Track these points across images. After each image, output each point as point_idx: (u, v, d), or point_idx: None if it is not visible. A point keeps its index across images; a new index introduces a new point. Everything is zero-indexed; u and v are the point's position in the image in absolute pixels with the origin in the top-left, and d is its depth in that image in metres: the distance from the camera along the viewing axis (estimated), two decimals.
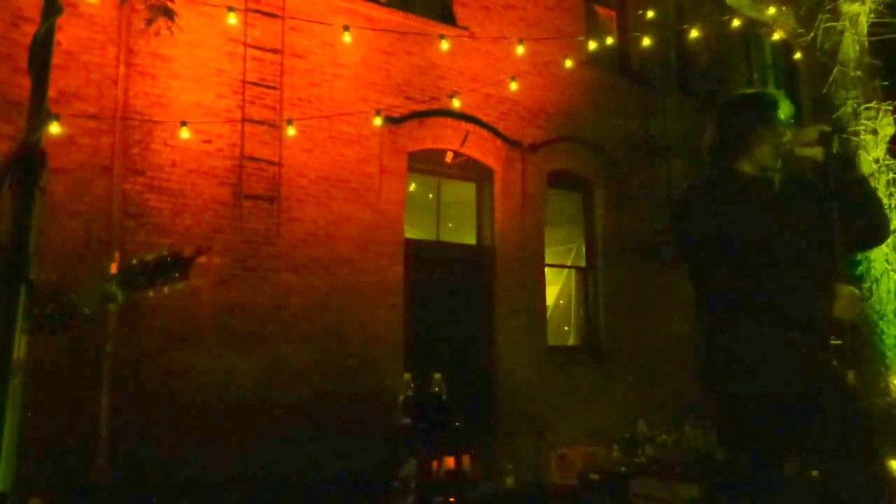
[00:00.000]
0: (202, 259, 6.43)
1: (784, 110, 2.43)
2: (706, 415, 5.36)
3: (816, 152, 2.37)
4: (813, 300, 2.26)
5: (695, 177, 2.67)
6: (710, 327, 2.44)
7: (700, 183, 2.55)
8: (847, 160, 2.52)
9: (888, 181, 5.70)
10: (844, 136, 5.60)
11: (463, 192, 8.48)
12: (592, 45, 7.67)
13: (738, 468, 2.34)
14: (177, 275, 1.73)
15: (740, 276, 2.31)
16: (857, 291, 2.30)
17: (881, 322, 5.54)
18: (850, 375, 2.27)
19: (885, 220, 2.52)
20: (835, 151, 2.35)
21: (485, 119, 8.15)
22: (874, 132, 5.71)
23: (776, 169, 2.44)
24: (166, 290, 1.74)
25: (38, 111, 0.97)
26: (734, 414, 2.37)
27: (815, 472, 2.43)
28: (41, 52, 1.00)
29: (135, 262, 1.69)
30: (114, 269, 1.83)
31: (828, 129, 2.38)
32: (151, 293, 1.74)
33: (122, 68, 6.14)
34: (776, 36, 7.82)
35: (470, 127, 8.01)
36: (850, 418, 2.25)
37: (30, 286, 0.90)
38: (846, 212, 2.33)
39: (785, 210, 2.39)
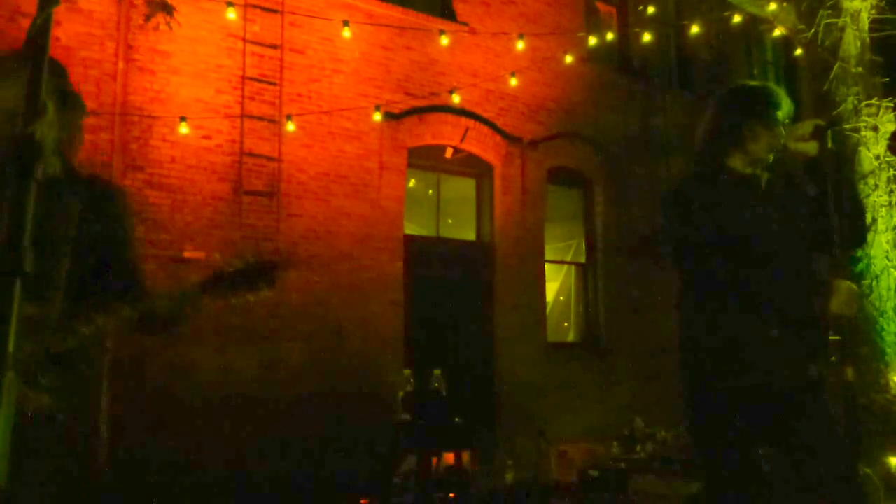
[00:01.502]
0: (201, 255, 6.41)
1: (783, 108, 2.39)
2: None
3: (810, 147, 2.36)
4: (805, 295, 2.26)
5: (686, 171, 2.64)
6: (697, 321, 2.41)
7: (691, 179, 2.53)
8: (838, 157, 2.51)
9: (889, 178, 5.69)
10: (845, 132, 5.58)
11: (463, 188, 8.47)
12: (592, 42, 7.65)
13: (714, 466, 2.31)
14: (263, 284, 1.73)
15: (732, 271, 2.29)
16: (855, 287, 2.29)
17: (881, 319, 5.53)
18: (849, 372, 2.24)
19: (865, 226, 2.53)
20: (829, 146, 2.34)
21: (485, 115, 8.14)
22: (875, 129, 5.69)
23: (766, 166, 2.42)
24: (251, 298, 1.78)
25: (34, 103, 0.96)
26: (711, 408, 2.33)
27: (801, 471, 2.39)
28: (38, 43, 0.99)
29: (225, 269, 1.72)
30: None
31: (822, 123, 2.37)
32: (234, 301, 1.79)
33: (120, 64, 6.12)
34: (777, 32, 7.80)
35: (470, 123, 8.00)
36: (841, 416, 2.23)
37: (26, 279, 0.90)
38: (837, 210, 2.32)
39: (774, 207, 2.38)
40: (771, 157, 2.41)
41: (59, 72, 1.90)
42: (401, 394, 6.46)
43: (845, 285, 2.25)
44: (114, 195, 1.99)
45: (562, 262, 9.51)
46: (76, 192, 1.83)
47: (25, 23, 5.51)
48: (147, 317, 1.75)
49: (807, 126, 2.38)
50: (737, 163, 2.43)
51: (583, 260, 9.30)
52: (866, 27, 5.82)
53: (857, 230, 2.46)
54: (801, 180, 2.46)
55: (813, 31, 5.79)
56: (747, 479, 2.23)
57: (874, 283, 5.50)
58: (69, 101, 1.90)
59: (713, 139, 2.47)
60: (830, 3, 5.73)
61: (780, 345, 2.23)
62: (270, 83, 6.80)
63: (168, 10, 5.69)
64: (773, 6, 6.72)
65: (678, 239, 2.44)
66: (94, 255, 1.81)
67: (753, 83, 2.54)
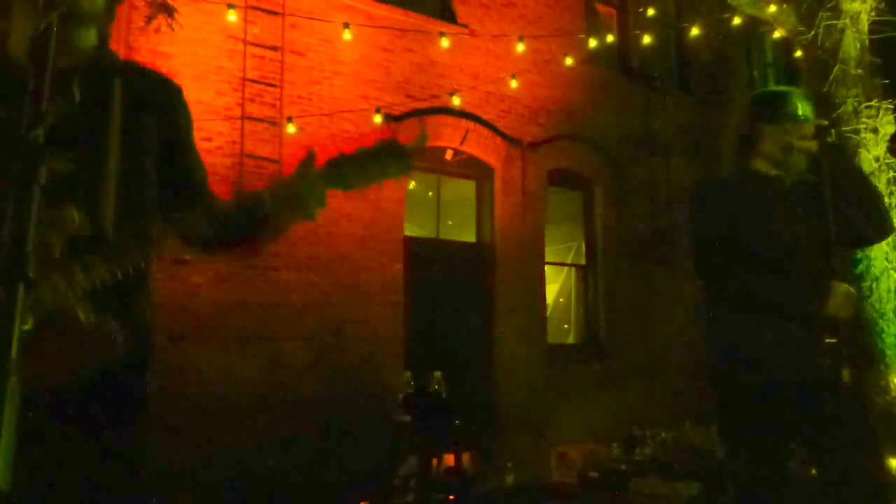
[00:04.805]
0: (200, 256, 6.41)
1: (796, 106, 2.44)
2: (706, 412, 5.36)
3: (812, 145, 2.41)
4: (810, 297, 2.28)
5: (702, 176, 2.74)
6: (713, 321, 2.46)
7: (712, 180, 2.66)
8: (841, 152, 2.55)
9: (888, 179, 5.69)
10: (845, 134, 5.59)
11: (463, 190, 8.47)
12: (593, 43, 7.66)
13: (740, 466, 2.35)
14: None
15: (744, 271, 2.35)
16: (852, 290, 2.32)
17: (881, 321, 5.53)
18: (846, 374, 2.27)
19: (888, 216, 2.53)
20: (830, 144, 2.39)
21: (485, 117, 8.14)
22: (875, 130, 5.69)
23: (788, 167, 2.48)
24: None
25: (38, 107, 0.97)
26: (735, 409, 2.38)
27: (814, 471, 2.43)
28: (41, 47, 1.00)
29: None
30: None
31: (825, 123, 2.43)
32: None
33: None
34: (777, 34, 7.80)
35: (470, 125, 8.00)
36: (851, 415, 2.26)
37: (28, 285, 0.90)
38: (843, 207, 2.35)
39: (790, 208, 2.42)
40: (791, 159, 2.45)
41: None
42: (401, 395, 6.47)
43: (843, 287, 2.28)
44: (167, 89, 1.68)
45: (562, 264, 9.52)
46: (119, 81, 1.53)
47: None
48: (217, 228, 1.54)
49: (809, 126, 2.42)
50: (760, 165, 2.52)
51: (583, 262, 9.30)
52: (866, 29, 5.83)
53: (878, 218, 2.45)
54: (821, 184, 2.48)
55: (813, 32, 5.80)
56: (776, 481, 2.28)
57: (874, 284, 5.50)
58: None
59: (738, 145, 2.59)
60: (830, 4, 5.74)
61: (799, 344, 2.28)
62: (271, 85, 6.81)
63: (169, 11, 5.69)
64: (772, 8, 6.71)
65: (702, 240, 2.49)
66: (151, 157, 1.57)
67: (765, 89, 2.64)
